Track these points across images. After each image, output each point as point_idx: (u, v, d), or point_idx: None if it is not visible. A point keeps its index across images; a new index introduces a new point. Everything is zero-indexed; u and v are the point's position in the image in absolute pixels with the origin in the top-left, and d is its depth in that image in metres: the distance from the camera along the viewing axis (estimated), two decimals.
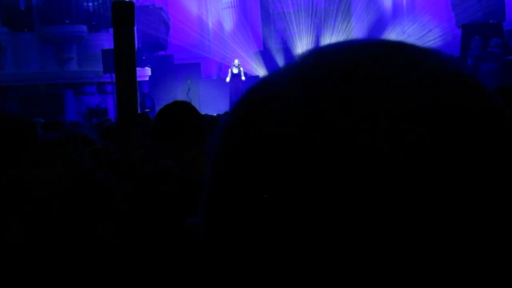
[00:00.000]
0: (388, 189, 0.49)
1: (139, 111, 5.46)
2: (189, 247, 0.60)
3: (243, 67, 21.09)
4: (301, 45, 23.38)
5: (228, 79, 20.82)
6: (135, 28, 3.35)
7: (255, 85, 0.60)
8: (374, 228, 0.49)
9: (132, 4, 2.87)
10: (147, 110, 19.21)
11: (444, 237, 0.49)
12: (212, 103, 19.97)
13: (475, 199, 0.49)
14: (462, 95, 0.53)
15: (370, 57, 0.55)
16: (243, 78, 20.69)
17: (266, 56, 23.21)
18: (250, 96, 0.59)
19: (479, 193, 0.50)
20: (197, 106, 3.83)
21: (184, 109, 3.54)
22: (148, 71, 20.53)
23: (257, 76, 22.18)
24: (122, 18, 2.81)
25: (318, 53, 0.59)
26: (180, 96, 19.92)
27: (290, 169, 0.51)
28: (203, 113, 5.93)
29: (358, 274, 0.49)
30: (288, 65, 0.60)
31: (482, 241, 0.50)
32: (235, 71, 20.85)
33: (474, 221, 0.49)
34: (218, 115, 9.96)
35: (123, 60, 2.81)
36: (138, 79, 2.82)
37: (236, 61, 21.08)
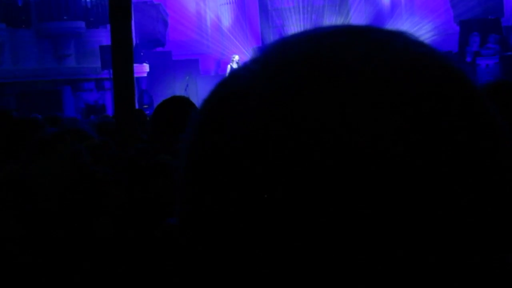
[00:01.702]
0: (355, 183, 0.48)
1: (137, 107, 5.46)
2: (168, 246, 0.60)
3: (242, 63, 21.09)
4: None
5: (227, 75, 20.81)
6: (133, 24, 3.35)
7: (222, 80, 0.60)
8: (337, 221, 0.48)
9: None
10: (145, 106, 19.20)
11: (421, 228, 0.48)
12: None
13: (441, 191, 0.48)
14: (424, 76, 0.52)
15: (332, 46, 0.54)
16: None
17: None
18: (216, 92, 0.59)
19: (441, 183, 0.49)
20: (195, 102, 3.82)
21: (183, 104, 3.54)
22: (146, 67, 20.52)
23: None
24: (119, 12, 2.81)
25: (282, 44, 0.58)
26: (179, 92, 19.89)
27: (254, 168, 0.50)
28: None
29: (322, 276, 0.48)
30: (254, 58, 0.59)
31: (463, 239, 0.49)
32: (235, 66, 20.84)
33: (455, 218, 0.49)
34: None
35: (120, 54, 2.80)
36: (136, 75, 2.81)
37: (236, 57, 21.05)
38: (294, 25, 24.06)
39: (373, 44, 0.54)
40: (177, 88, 21.09)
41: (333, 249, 0.48)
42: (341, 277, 0.48)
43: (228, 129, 0.53)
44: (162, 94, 18.23)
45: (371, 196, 0.47)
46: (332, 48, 0.53)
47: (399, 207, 0.48)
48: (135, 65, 3.76)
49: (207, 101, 0.58)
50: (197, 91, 21.39)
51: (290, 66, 0.53)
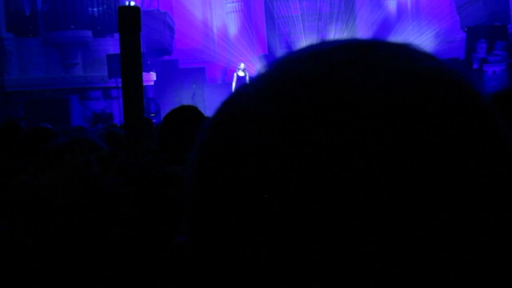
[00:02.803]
0: (366, 199, 0.47)
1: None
2: (177, 264, 0.61)
3: (247, 71, 21.11)
4: None
5: (234, 83, 20.85)
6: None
7: (228, 99, 0.59)
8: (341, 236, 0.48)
9: (138, 9, 2.87)
10: (152, 114, 19.22)
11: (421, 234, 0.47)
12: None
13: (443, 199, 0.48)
14: (431, 91, 0.51)
15: (338, 63, 0.53)
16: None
17: (271, 60, 23.19)
18: (222, 111, 0.58)
19: (444, 191, 0.48)
20: (202, 110, 3.83)
21: (191, 113, 3.55)
22: (153, 75, 20.56)
23: None
24: (129, 23, 2.82)
25: (286, 62, 0.58)
26: (185, 100, 19.93)
27: (262, 188, 0.50)
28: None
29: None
30: (259, 75, 0.58)
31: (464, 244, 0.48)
32: (241, 74, 20.86)
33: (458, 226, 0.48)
34: None
35: (129, 65, 2.81)
36: (143, 83, 2.82)
37: (242, 65, 21.07)
38: (300, 33, 24.11)
39: (379, 59, 0.53)
40: (184, 96, 21.12)
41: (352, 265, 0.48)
42: None
43: (234, 147, 0.52)
44: (169, 102, 18.28)
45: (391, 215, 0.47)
46: (336, 66, 0.53)
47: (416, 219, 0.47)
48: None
49: (213, 121, 0.58)
50: (204, 99, 21.41)
51: (295, 85, 0.52)
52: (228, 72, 23.42)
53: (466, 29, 20.64)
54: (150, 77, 20.19)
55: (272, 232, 0.49)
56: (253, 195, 0.50)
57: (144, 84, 3.70)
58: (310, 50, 0.57)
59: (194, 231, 0.56)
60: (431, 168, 0.48)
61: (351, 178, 0.48)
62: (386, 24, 23.49)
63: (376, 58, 0.54)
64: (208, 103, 20.90)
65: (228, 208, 0.51)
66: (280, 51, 23.98)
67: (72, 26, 19.70)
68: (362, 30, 23.76)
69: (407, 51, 0.56)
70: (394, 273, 0.47)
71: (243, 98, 0.56)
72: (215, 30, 24.42)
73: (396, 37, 22.41)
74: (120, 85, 3.31)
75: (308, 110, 0.50)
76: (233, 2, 24.51)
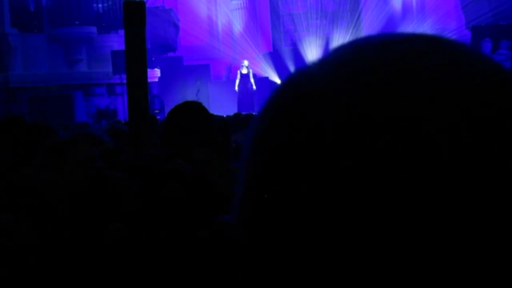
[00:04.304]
0: (444, 188, 0.47)
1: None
2: (221, 244, 0.60)
3: (252, 68, 21.11)
4: (311, 47, 23.40)
5: (237, 80, 20.85)
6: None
7: (290, 79, 0.59)
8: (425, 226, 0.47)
9: (143, 3, 2.86)
10: (156, 111, 19.22)
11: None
12: (221, 105, 19.96)
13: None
14: (506, 92, 0.52)
15: (412, 52, 0.54)
16: (251, 79, 20.70)
17: (275, 58, 23.22)
18: (288, 90, 0.58)
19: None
20: (206, 107, 3.83)
21: (195, 109, 3.55)
22: (157, 72, 20.55)
23: (267, 78, 22.18)
24: (133, 18, 2.81)
25: (356, 47, 0.58)
26: (190, 97, 19.91)
27: (336, 166, 0.50)
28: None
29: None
30: (322, 59, 0.59)
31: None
32: (244, 71, 20.85)
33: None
34: (227, 116, 9.94)
35: (134, 60, 2.80)
36: (148, 80, 2.81)
37: (246, 62, 21.06)
38: (305, 31, 24.08)
39: (450, 54, 0.55)
40: (188, 93, 21.12)
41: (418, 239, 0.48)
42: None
43: (308, 125, 0.52)
44: (173, 99, 18.26)
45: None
46: (411, 54, 0.54)
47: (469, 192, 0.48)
48: None
49: (280, 99, 0.58)
50: (208, 96, 21.41)
51: (372, 68, 0.53)
52: (232, 70, 23.41)
53: (471, 28, 20.60)
54: (155, 74, 20.18)
55: (340, 210, 0.49)
56: (326, 171, 0.50)
57: (149, 80, 3.70)
58: (376, 39, 0.58)
59: (258, 209, 0.56)
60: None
61: (425, 168, 0.48)
62: (391, 23, 23.46)
63: (448, 52, 0.55)
64: (213, 100, 20.90)
65: (299, 184, 0.51)
66: (284, 49, 23.96)
67: (76, 22, 19.70)
68: (367, 28, 23.73)
69: (470, 49, 0.57)
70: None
71: (311, 79, 0.57)
72: (220, 27, 24.40)
73: None
74: (124, 81, 3.30)
75: (389, 93, 0.51)
76: None
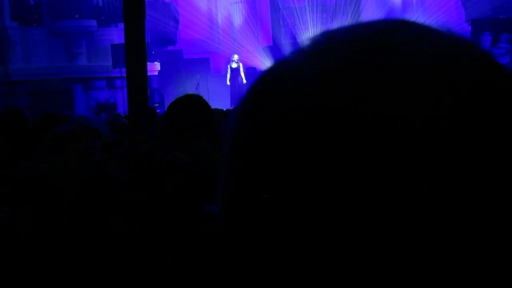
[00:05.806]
0: (415, 170, 0.47)
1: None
2: (207, 231, 0.60)
3: (251, 62, 21.12)
4: None
5: (228, 75, 20.98)
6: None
7: (269, 67, 0.59)
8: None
9: None
10: (156, 105, 19.21)
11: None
12: (221, 98, 19.95)
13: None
14: (469, 63, 0.52)
15: (382, 31, 0.54)
16: (242, 73, 20.81)
17: (275, 51, 23.18)
18: (263, 77, 0.59)
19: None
20: (206, 100, 3.83)
21: (196, 102, 3.56)
22: (157, 66, 20.53)
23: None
24: (133, 11, 2.82)
25: (329, 33, 0.58)
26: (189, 91, 19.84)
27: (308, 148, 0.49)
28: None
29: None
30: (300, 47, 0.59)
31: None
32: (234, 66, 20.97)
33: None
34: (227, 109, 9.95)
35: (134, 53, 2.81)
36: (148, 73, 2.82)
37: (236, 56, 21.20)
38: (305, 24, 24.03)
39: (420, 32, 0.55)
40: (188, 86, 21.10)
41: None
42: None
43: (283, 106, 0.52)
44: (173, 92, 18.26)
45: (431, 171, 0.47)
46: (381, 32, 0.54)
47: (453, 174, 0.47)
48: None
49: (257, 84, 0.58)
50: (208, 89, 21.39)
51: (342, 47, 0.53)
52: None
53: (470, 22, 20.57)
54: (155, 67, 20.16)
55: (329, 198, 0.48)
56: (298, 156, 0.49)
57: (148, 74, 3.70)
58: (349, 25, 0.58)
59: (233, 199, 0.56)
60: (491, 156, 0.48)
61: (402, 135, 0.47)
62: (391, 16, 23.38)
63: (418, 30, 0.55)
64: (212, 93, 20.88)
65: (282, 167, 0.50)
66: (284, 43, 23.91)
67: (76, 16, 19.67)
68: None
69: (442, 31, 0.57)
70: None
71: (287, 63, 0.57)
72: (219, 20, 24.35)
73: None
74: (124, 75, 3.31)
75: (358, 66, 0.50)
76: None
